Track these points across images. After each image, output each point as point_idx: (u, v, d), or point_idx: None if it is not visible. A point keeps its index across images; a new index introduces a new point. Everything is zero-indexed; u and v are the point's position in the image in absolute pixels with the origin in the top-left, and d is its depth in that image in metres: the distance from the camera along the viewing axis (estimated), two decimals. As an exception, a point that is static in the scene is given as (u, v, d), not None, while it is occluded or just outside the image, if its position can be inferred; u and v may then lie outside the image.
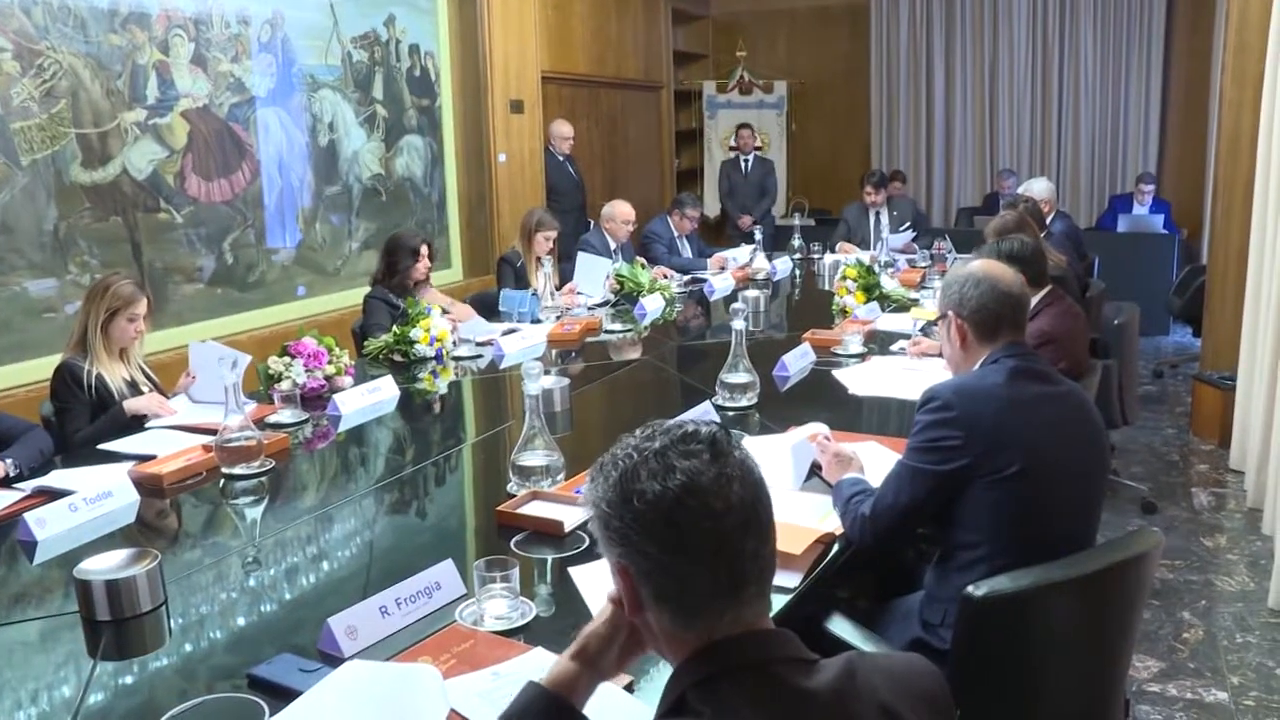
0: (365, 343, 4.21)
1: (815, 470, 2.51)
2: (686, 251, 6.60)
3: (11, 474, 2.72)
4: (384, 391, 3.50)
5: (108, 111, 4.62)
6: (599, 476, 1.18)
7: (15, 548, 2.34)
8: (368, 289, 4.64)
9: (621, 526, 1.14)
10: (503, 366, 4.00)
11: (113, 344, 3.34)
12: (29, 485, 2.66)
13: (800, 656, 1.15)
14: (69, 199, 4.47)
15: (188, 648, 1.86)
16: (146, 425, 3.21)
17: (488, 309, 4.84)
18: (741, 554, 1.12)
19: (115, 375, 3.33)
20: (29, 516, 2.36)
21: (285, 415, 3.23)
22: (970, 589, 1.81)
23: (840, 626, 2.07)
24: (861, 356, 3.86)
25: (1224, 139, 5.49)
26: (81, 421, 3.22)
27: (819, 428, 2.71)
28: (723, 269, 6.13)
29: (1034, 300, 3.55)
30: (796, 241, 6.93)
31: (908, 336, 4.13)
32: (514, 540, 2.22)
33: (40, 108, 4.32)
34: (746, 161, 8.53)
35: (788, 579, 1.97)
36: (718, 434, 1.17)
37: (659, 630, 1.17)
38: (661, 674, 1.56)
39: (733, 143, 10.37)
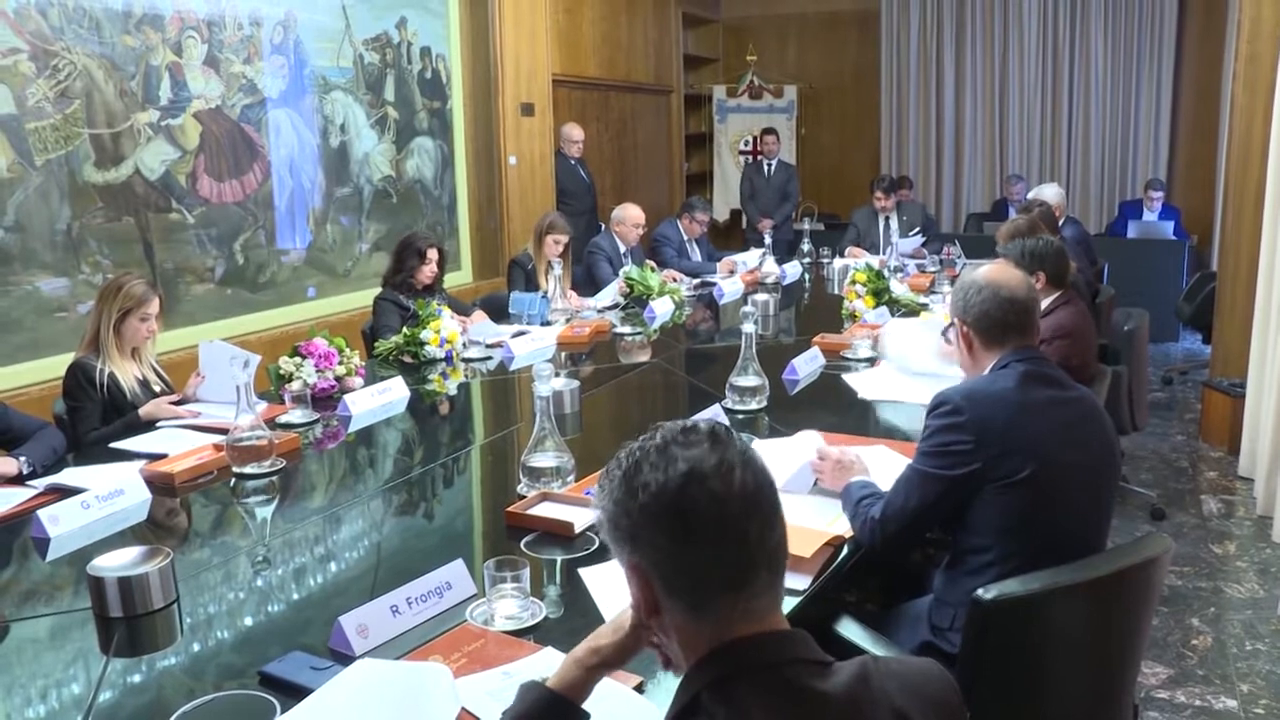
0: (375, 344, 4.23)
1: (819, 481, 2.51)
2: (696, 255, 6.61)
3: (24, 471, 2.74)
4: (394, 392, 3.51)
5: (121, 112, 4.64)
6: (605, 481, 1.20)
7: (28, 544, 2.36)
8: (378, 290, 4.65)
9: (629, 523, 1.15)
10: (512, 369, 4.01)
11: (125, 343, 3.36)
12: (41, 483, 2.68)
13: (815, 658, 1.15)
14: (82, 199, 4.49)
15: (198, 645, 1.87)
16: (158, 424, 3.22)
17: (497, 311, 4.85)
18: (747, 537, 1.13)
19: (127, 374, 3.34)
20: (42, 513, 2.37)
21: (296, 415, 3.24)
22: (980, 592, 1.81)
23: (850, 629, 2.08)
24: (871, 361, 3.86)
25: (1235, 146, 5.48)
26: (94, 421, 3.24)
27: (811, 435, 2.70)
28: (732, 273, 6.14)
29: (1051, 298, 3.58)
30: (806, 246, 6.93)
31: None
32: (524, 541, 2.23)
33: (55, 108, 4.34)
34: (770, 165, 8.54)
35: (797, 581, 1.97)
36: (717, 426, 1.20)
37: (674, 629, 1.17)
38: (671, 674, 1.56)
39: (743, 146, 10.39)
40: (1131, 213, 8.66)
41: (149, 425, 3.21)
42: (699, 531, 1.12)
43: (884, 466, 2.47)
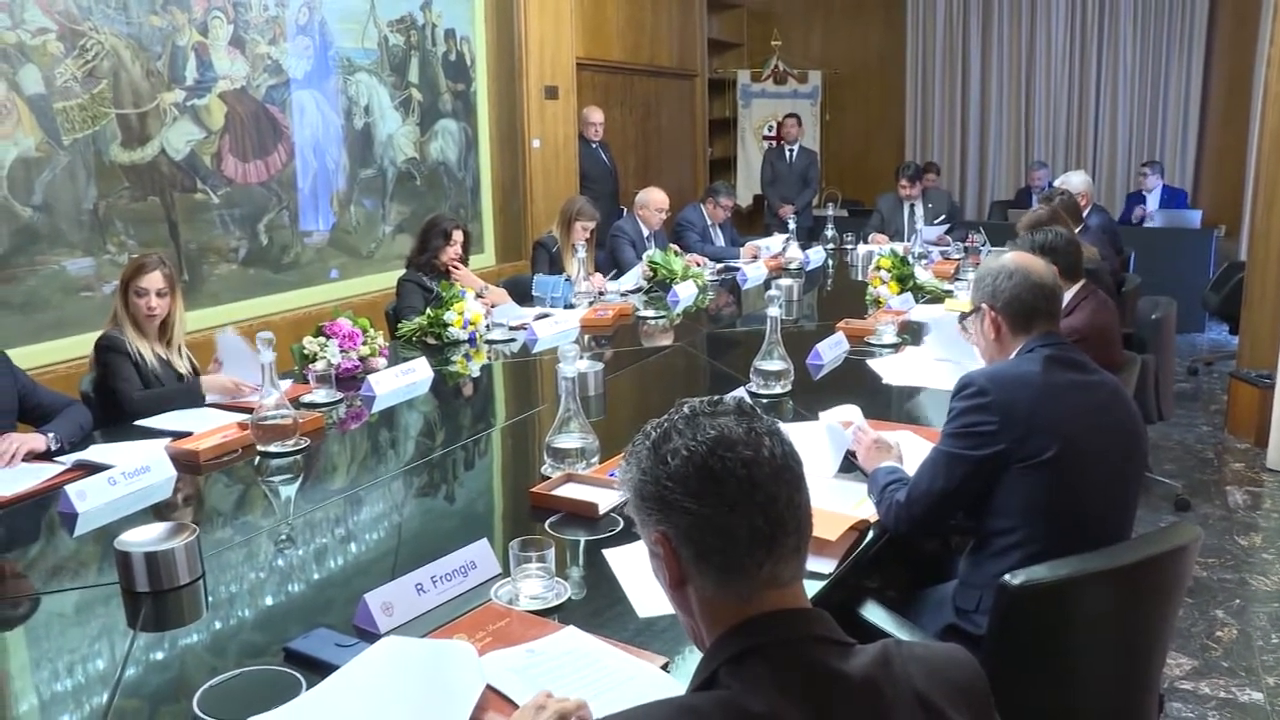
0: (399, 325, 4.23)
1: (851, 458, 2.50)
2: (719, 240, 6.59)
3: (53, 447, 2.76)
4: (418, 373, 3.52)
5: (147, 92, 4.66)
6: (631, 453, 1.21)
7: (55, 520, 2.38)
8: (401, 272, 4.66)
9: (657, 490, 1.15)
10: (535, 351, 4.01)
11: (138, 321, 3.36)
12: (69, 459, 2.70)
13: (835, 638, 1.14)
14: (108, 179, 4.51)
15: (221, 623, 1.88)
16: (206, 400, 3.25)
17: (521, 293, 4.85)
18: (777, 499, 1.14)
19: (146, 352, 3.33)
20: (70, 489, 2.39)
21: (320, 395, 3.25)
22: (1007, 577, 1.80)
23: (874, 613, 2.06)
24: (895, 347, 3.84)
25: (1267, 134, 5.41)
26: (134, 384, 3.23)
27: (852, 410, 2.70)
28: (755, 258, 6.12)
29: (1069, 295, 3.52)
30: (830, 231, 6.90)
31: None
32: (548, 522, 2.23)
33: (82, 88, 4.36)
34: (791, 151, 8.50)
35: (822, 565, 1.96)
36: (743, 400, 1.22)
37: (699, 602, 1.16)
38: (696, 653, 1.56)
39: (766, 131, 10.34)
40: (1134, 201, 8.56)
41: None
42: (729, 491, 1.13)
43: (909, 451, 2.46)
